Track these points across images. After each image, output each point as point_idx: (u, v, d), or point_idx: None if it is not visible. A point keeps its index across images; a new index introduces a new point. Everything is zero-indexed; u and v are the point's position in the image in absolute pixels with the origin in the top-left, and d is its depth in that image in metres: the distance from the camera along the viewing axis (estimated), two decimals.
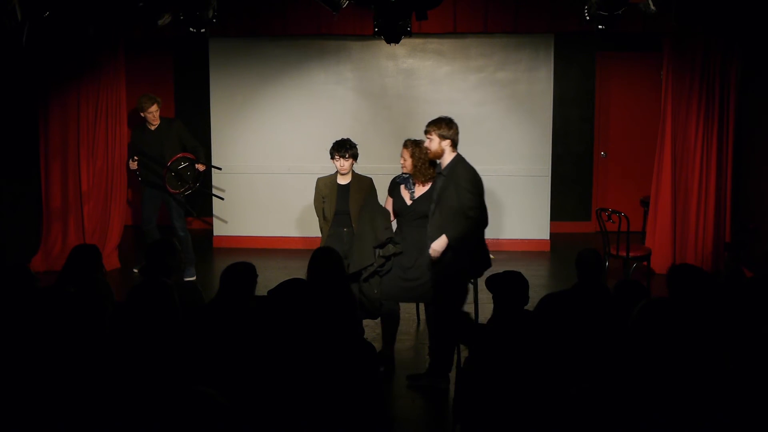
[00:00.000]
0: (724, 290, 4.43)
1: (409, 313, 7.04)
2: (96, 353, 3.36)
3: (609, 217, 7.36)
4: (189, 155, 8.03)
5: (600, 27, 6.03)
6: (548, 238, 9.31)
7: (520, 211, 9.28)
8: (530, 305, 4.25)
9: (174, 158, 7.90)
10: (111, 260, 8.50)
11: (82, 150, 8.42)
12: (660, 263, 8.00)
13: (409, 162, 5.76)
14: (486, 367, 3.93)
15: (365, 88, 9.27)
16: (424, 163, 5.70)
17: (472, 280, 5.85)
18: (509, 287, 4.14)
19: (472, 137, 9.21)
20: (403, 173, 5.87)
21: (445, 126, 5.52)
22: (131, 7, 6.61)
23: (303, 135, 9.25)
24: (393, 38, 6.70)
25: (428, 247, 5.49)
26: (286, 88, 9.29)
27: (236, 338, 3.76)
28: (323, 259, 4.67)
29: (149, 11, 6.56)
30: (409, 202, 5.76)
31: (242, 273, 4.24)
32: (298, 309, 3.71)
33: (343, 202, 6.06)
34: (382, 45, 8.49)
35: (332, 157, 6.13)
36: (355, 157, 6.14)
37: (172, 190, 7.93)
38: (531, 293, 4.23)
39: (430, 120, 5.61)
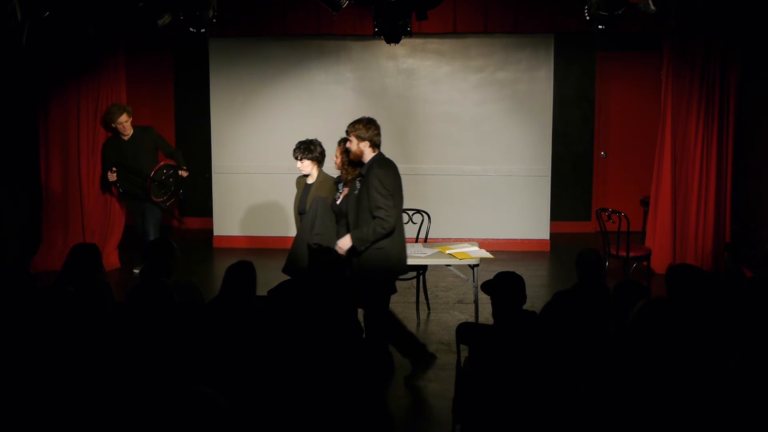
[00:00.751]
0: (724, 290, 4.43)
1: (410, 312, 7.05)
2: (96, 353, 3.36)
3: (609, 217, 7.36)
4: (171, 162, 8.00)
5: (600, 27, 6.02)
6: (548, 238, 9.31)
7: (520, 211, 9.28)
8: (529, 305, 4.25)
9: (157, 167, 7.86)
10: (111, 260, 8.50)
11: (82, 150, 8.41)
12: (660, 263, 7.99)
13: (339, 160, 5.82)
14: (486, 367, 3.93)
15: (365, 88, 9.27)
16: (345, 162, 5.72)
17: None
18: (505, 288, 4.14)
19: (472, 137, 9.26)
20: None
21: (362, 127, 5.49)
22: (131, 7, 6.61)
23: (303, 135, 9.13)
24: (393, 38, 6.71)
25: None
26: (286, 88, 9.29)
27: (236, 338, 3.76)
28: (322, 258, 4.67)
29: (149, 11, 6.56)
30: (338, 201, 5.79)
31: (245, 271, 4.25)
32: (298, 309, 3.71)
33: (304, 201, 6.09)
34: (382, 45, 8.48)
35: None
36: (314, 159, 6.08)
37: (156, 200, 7.89)
38: (531, 293, 4.23)
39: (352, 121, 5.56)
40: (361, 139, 5.47)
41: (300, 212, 6.11)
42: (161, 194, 7.92)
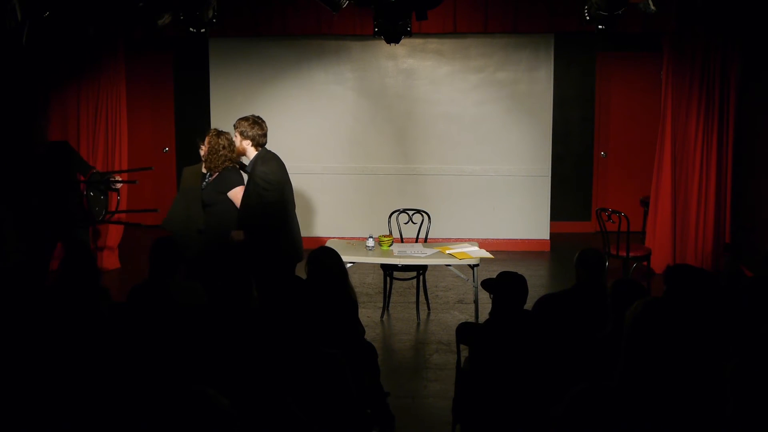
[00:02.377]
0: (724, 290, 4.42)
1: (410, 312, 7.05)
2: (94, 353, 3.36)
3: (609, 217, 7.36)
4: (103, 172, 6.98)
5: (600, 27, 6.02)
6: (548, 238, 9.31)
7: (520, 211, 9.28)
8: (529, 306, 4.25)
9: (90, 173, 6.69)
10: (111, 260, 8.50)
11: (82, 150, 8.40)
12: (660, 263, 7.99)
13: (204, 149, 5.85)
14: (485, 367, 3.93)
15: (365, 88, 9.27)
16: (215, 154, 5.73)
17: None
18: (508, 288, 4.13)
19: (472, 137, 9.26)
20: None
21: (247, 125, 5.63)
22: (131, 7, 6.61)
23: (303, 135, 9.25)
24: (393, 38, 6.70)
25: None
26: (286, 88, 9.29)
27: (237, 338, 3.76)
28: (323, 259, 4.66)
29: (149, 11, 6.56)
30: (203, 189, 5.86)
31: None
32: (298, 309, 3.71)
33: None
34: (382, 45, 8.48)
35: (198, 146, 6.14)
36: None
37: (95, 220, 6.68)
38: (531, 293, 4.22)
39: None
40: (244, 136, 5.64)
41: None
42: (99, 209, 6.63)
